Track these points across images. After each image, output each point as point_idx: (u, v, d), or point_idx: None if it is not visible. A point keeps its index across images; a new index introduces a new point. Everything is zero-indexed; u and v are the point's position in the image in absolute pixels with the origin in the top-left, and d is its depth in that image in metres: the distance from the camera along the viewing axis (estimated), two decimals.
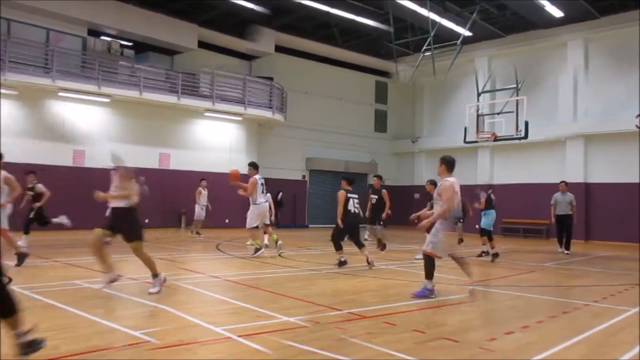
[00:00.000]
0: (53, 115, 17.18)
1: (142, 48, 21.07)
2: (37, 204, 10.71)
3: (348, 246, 13.19)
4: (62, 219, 11.27)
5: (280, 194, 22.04)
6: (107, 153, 8.27)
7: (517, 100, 16.83)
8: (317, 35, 22.81)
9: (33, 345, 3.71)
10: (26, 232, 10.59)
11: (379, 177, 13.84)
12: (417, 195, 26.86)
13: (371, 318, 5.49)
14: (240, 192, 11.44)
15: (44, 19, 17.73)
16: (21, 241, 9.94)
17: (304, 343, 4.46)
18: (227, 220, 19.26)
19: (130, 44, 20.76)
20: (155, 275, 6.65)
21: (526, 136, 16.47)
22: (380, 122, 28.22)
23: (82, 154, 17.67)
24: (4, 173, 7.77)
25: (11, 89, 15.85)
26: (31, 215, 10.67)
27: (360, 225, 10.09)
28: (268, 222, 12.00)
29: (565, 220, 13.90)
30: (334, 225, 12.71)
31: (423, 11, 17.78)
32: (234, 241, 14.91)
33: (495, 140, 17.63)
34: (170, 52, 21.78)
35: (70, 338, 4.46)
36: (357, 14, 19.72)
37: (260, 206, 11.39)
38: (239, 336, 4.58)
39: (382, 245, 12.70)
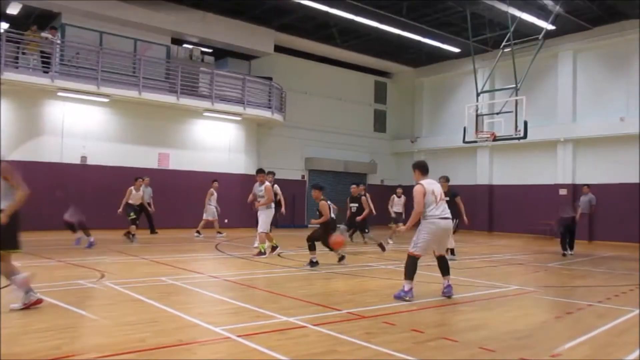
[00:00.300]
0: None
1: (221, 54, 22.34)
2: None
3: (348, 246, 13.22)
4: None
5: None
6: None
7: (516, 100, 16.82)
8: (316, 35, 22.80)
9: None
10: None
11: (358, 185, 13.97)
12: None
13: (370, 318, 5.50)
14: (260, 203, 11.34)
15: (132, 30, 19.01)
16: None
17: (303, 343, 4.46)
18: (226, 220, 19.22)
19: (210, 50, 21.96)
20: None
21: (525, 136, 16.47)
22: (380, 122, 28.23)
23: None
24: None
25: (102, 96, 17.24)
26: None
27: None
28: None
29: (571, 221, 13.75)
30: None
31: (502, 6, 17.49)
32: (234, 241, 14.90)
33: (495, 140, 17.62)
34: (248, 57, 22.74)
35: (70, 338, 4.44)
36: (377, 20, 19.78)
37: (273, 209, 11.58)
38: (238, 336, 4.58)
39: (382, 247, 12.72)
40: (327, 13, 19.28)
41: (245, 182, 19.77)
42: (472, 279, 8.42)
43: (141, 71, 17.96)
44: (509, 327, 5.29)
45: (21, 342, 4.35)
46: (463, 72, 23.89)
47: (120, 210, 13.47)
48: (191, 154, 20.19)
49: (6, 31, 16.23)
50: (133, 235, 13.46)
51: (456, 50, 23.16)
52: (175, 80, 18.86)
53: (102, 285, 7.07)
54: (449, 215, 6.70)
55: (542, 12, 18.33)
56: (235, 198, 19.38)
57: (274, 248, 11.35)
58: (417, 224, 6.79)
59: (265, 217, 11.26)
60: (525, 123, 16.06)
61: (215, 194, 16.39)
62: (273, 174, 12.95)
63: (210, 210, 16.28)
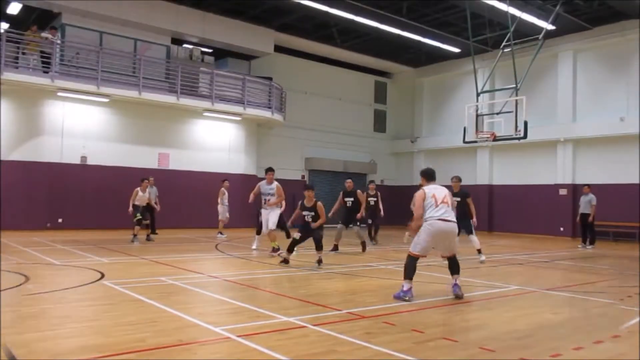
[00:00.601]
0: None
1: (221, 54, 22.34)
2: None
3: (347, 246, 13.23)
4: None
5: None
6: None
7: (516, 100, 16.82)
8: (316, 35, 22.81)
9: None
10: None
11: (371, 182, 14.16)
12: None
13: (370, 318, 5.49)
14: (271, 202, 11.34)
15: (132, 30, 19.00)
16: None
17: (303, 343, 4.46)
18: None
19: (210, 50, 21.98)
20: None
21: (525, 136, 16.47)
22: (380, 122, 28.24)
23: None
24: None
25: (102, 96, 17.27)
26: None
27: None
28: None
29: (586, 218, 15.84)
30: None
31: (502, 6, 17.49)
32: (233, 241, 14.90)
33: (495, 140, 17.62)
34: (248, 57, 22.71)
35: (154, 332, 4.43)
36: (377, 20, 19.80)
37: (281, 209, 11.63)
38: (238, 336, 4.58)
39: (363, 246, 12.66)
40: (327, 13, 19.30)
41: (245, 182, 19.78)
42: (472, 279, 8.42)
43: (141, 71, 18.01)
44: (509, 327, 5.29)
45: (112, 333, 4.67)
46: (463, 72, 23.90)
47: (130, 210, 13.56)
48: (191, 154, 20.19)
49: (6, 31, 16.25)
50: (135, 235, 13.50)
51: (456, 50, 23.17)
52: (175, 80, 18.87)
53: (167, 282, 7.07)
54: (449, 217, 6.76)
55: (542, 12, 18.32)
56: (235, 198, 19.33)
57: (274, 249, 11.33)
58: None
59: (276, 215, 11.28)
60: (525, 123, 16.05)
61: (227, 193, 16.47)
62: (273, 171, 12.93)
63: (220, 210, 16.40)
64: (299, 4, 18.57)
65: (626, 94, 19.68)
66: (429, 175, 7.22)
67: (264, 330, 4.84)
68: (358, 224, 12.74)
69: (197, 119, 20.30)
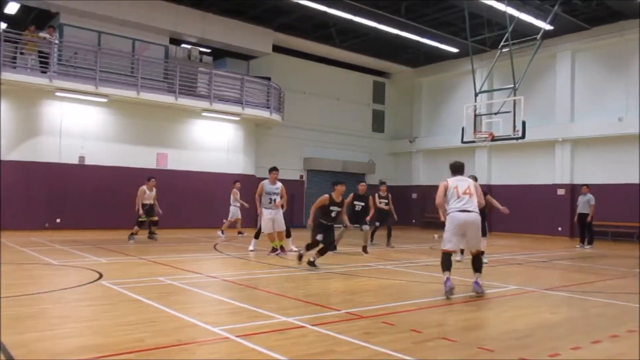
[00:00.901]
0: None
1: (220, 54, 22.31)
2: None
3: (347, 246, 13.22)
4: None
5: None
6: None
7: (514, 100, 16.83)
8: (314, 35, 22.81)
9: None
10: None
11: (383, 183, 14.14)
12: (414, 195, 26.91)
13: (369, 318, 5.49)
14: (278, 203, 11.32)
15: (131, 30, 18.96)
16: None
17: (302, 343, 4.46)
18: (224, 220, 19.18)
19: (208, 50, 21.96)
20: None
21: (523, 136, 16.49)
22: (378, 122, 28.24)
23: None
24: None
25: (100, 96, 17.21)
26: None
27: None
28: None
29: (584, 218, 16.03)
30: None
31: (500, 6, 17.48)
32: (232, 241, 14.89)
33: (493, 140, 17.62)
34: (247, 57, 22.66)
35: (153, 332, 4.42)
36: (376, 20, 19.80)
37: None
38: (237, 336, 4.58)
39: (364, 249, 12.51)
40: (325, 13, 19.30)
41: (244, 182, 19.74)
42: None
43: (139, 71, 17.99)
44: (508, 327, 5.29)
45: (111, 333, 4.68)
46: (461, 72, 23.92)
47: (140, 211, 13.56)
48: (189, 154, 20.18)
49: (4, 31, 16.21)
50: (133, 235, 13.49)
51: (454, 50, 23.18)
52: (174, 80, 18.86)
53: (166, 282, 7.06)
54: (471, 208, 6.89)
55: (541, 12, 18.33)
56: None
57: (274, 249, 11.30)
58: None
59: (281, 216, 11.28)
60: (524, 123, 16.06)
61: (239, 193, 16.51)
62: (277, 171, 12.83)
63: (232, 210, 16.49)
64: (298, 4, 18.57)
65: (625, 94, 19.72)
66: (454, 168, 7.48)
67: (262, 330, 4.83)
68: (368, 224, 12.67)
69: (195, 119, 20.28)
